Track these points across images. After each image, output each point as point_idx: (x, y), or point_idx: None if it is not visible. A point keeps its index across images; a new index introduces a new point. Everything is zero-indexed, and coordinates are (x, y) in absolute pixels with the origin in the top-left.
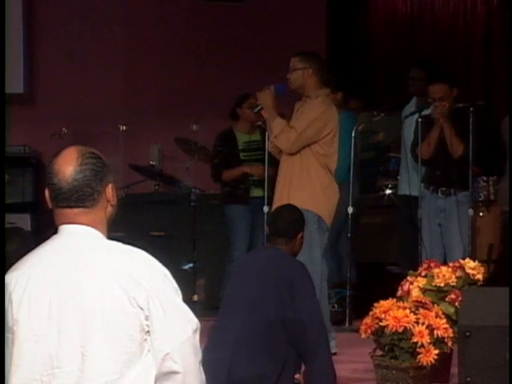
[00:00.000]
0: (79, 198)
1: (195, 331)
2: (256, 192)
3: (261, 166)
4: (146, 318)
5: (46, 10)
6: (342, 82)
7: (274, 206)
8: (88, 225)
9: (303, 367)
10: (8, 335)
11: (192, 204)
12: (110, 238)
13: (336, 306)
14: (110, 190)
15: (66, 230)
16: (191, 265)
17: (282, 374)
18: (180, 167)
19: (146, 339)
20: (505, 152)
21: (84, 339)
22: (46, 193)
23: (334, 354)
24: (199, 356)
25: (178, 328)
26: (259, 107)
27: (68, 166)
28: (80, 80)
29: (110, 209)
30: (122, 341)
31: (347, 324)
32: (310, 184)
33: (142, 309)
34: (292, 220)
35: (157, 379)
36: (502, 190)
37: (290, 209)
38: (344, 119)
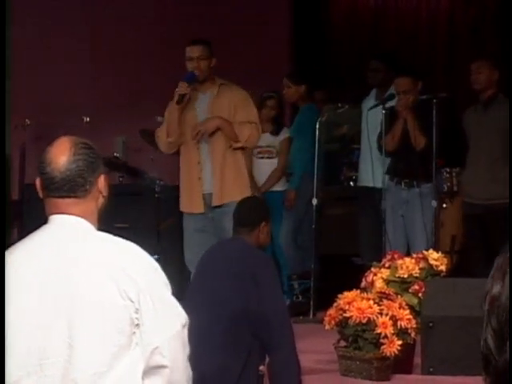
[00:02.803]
0: (71, 188)
1: (184, 326)
2: None
3: None
4: (136, 311)
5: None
6: (306, 75)
7: (196, 201)
8: (79, 215)
9: (267, 359)
10: None
11: (156, 196)
12: None
13: (300, 296)
14: (102, 181)
15: (56, 220)
16: (156, 257)
17: (246, 366)
18: (144, 159)
19: (134, 332)
20: (466, 143)
21: (72, 330)
22: (38, 182)
23: None
24: (187, 351)
25: (167, 322)
26: (178, 97)
27: (61, 155)
28: (43, 71)
29: (101, 200)
30: (111, 333)
31: (311, 315)
32: (242, 177)
33: (132, 301)
34: (252, 208)
35: (144, 373)
36: (463, 182)
37: (252, 199)
38: (306, 111)
